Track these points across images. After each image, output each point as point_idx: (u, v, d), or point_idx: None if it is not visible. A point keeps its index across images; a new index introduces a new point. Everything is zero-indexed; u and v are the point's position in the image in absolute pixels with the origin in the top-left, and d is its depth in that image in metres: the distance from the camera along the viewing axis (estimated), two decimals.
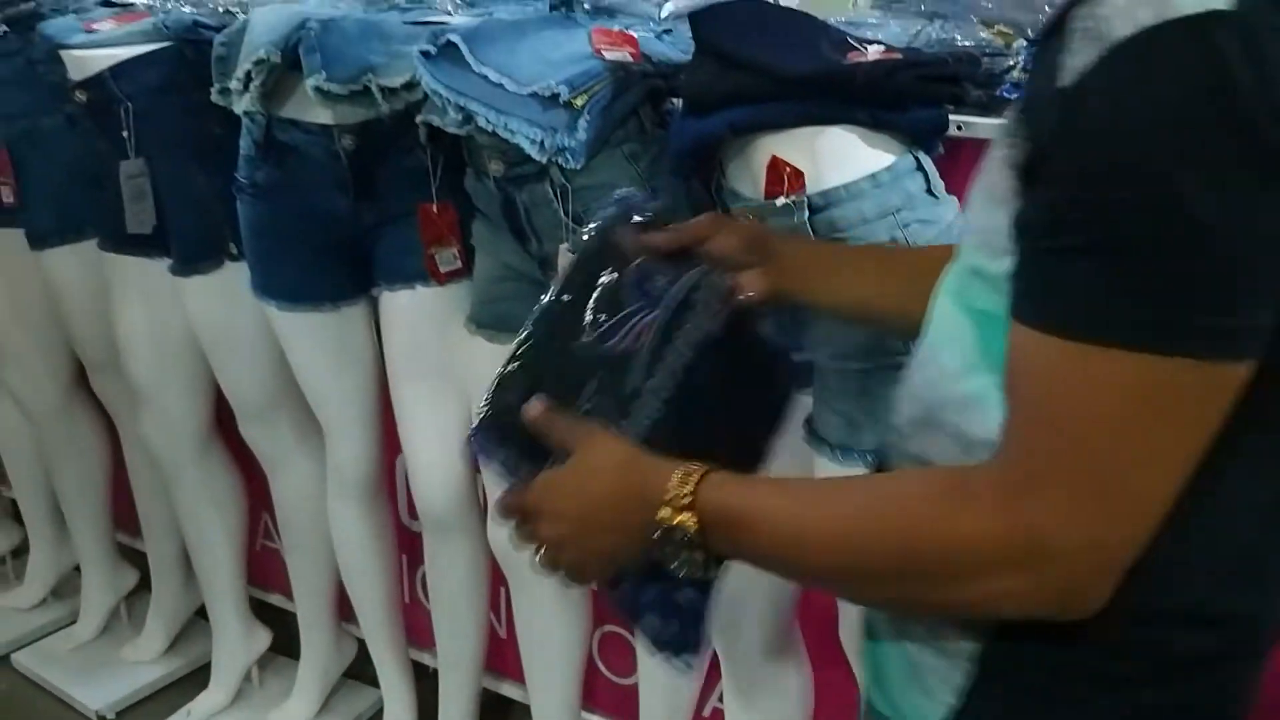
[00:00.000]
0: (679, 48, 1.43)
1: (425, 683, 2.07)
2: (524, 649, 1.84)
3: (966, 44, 1.35)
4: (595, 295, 0.93)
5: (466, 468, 1.75)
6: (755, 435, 0.99)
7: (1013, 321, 0.67)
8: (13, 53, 1.91)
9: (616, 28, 1.46)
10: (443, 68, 1.34)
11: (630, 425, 0.91)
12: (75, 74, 1.74)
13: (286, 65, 1.48)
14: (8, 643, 2.45)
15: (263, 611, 2.29)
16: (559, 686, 1.82)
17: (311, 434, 1.88)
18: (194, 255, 1.80)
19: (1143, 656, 0.73)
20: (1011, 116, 0.69)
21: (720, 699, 1.68)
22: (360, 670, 2.19)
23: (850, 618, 1.38)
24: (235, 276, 1.75)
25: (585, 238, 0.99)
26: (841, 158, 1.16)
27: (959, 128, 1.21)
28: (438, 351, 1.65)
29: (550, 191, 1.38)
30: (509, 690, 2.09)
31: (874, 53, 1.17)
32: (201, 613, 2.31)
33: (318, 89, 1.44)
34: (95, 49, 1.73)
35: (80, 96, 1.74)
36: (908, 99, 1.17)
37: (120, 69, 1.71)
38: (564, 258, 1.40)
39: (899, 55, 1.18)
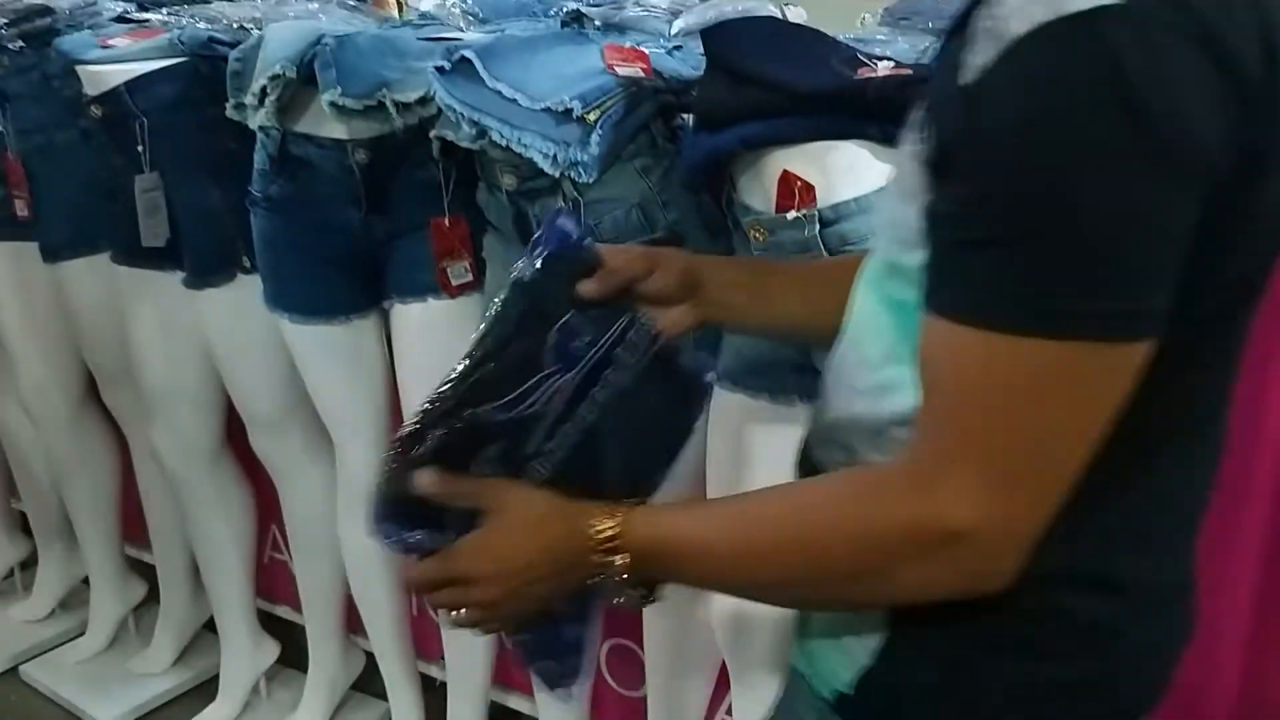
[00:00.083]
0: (689, 64, 1.44)
1: (433, 695, 2.07)
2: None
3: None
4: (509, 362, 0.88)
5: None
6: (655, 465, 0.96)
7: (924, 312, 0.69)
8: (29, 68, 1.93)
9: (628, 44, 1.47)
10: (457, 83, 1.36)
11: (525, 479, 0.89)
12: (91, 89, 1.76)
13: (301, 81, 1.50)
14: (16, 654, 2.46)
15: (271, 624, 2.29)
16: (567, 700, 1.83)
17: (322, 446, 1.89)
18: (207, 268, 1.81)
19: (1046, 624, 0.76)
20: (919, 114, 0.71)
21: (729, 710, 1.69)
22: (368, 683, 2.20)
23: None
24: (248, 289, 1.76)
25: (511, 290, 0.89)
26: (852, 172, 1.18)
27: None
28: (449, 364, 1.66)
29: (562, 205, 1.39)
30: (516, 703, 2.09)
31: (884, 68, 1.18)
32: (210, 625, 2.31)
33: (333, 104, 1.46)
34: (111, 64, 1.75)
35: (96, 111, 1.76)
36: None
37: (135, 84, 1.72)
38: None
39: (908, 71, 1.19)
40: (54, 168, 1.98)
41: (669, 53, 1.48)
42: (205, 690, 2.30)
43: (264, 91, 1.51)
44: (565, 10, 1.59)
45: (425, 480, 0.85)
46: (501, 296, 0.88)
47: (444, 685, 2.00)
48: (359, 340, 1.72)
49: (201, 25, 1.78)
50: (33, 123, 1.97)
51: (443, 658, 1.98)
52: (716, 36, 1.27)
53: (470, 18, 1.71)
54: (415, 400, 1.83)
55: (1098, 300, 0.63)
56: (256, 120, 1.54)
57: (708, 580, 0.86)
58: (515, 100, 1.33)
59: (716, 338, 1.37)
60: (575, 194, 1.38)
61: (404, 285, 1.66)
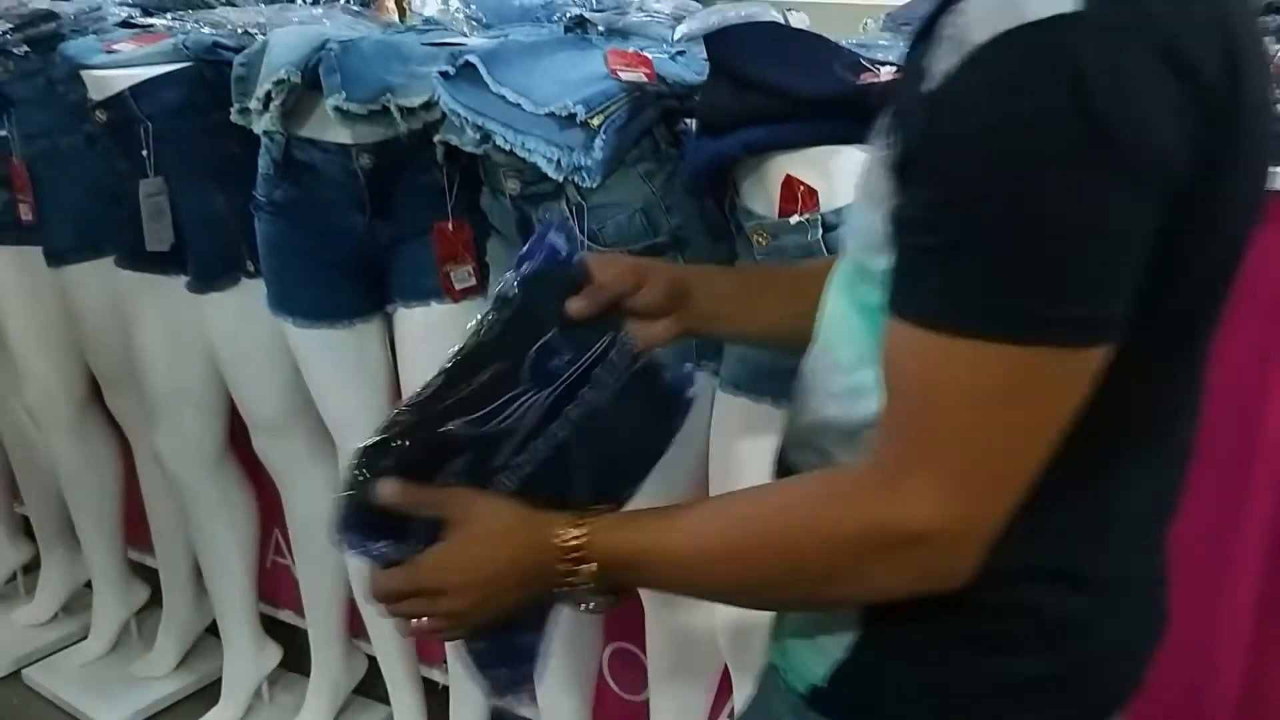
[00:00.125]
0: (692, 69, 1.45)
1: (435, 699, 2.07)
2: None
3: None
4: (484, 379, 0.86)
5: None
6: (626, 480, 0.94)
7: (887, 315, 0.70)
8: (33, 73, 1.94)
9: (631, 49, 1.48)
10: (461, 88, 1.36)
11: (491, 490, 0.88)
12: (96, 94, 1.76)
13: (306, 85, 1.50)
14: (19, 658, 2.46)
15: (273, 628, 2.30)
16: (570, 704, 1.83)
17: (325, 450, 1.89)
18: (211, 272, 1.82)
19: (1015, 619, 0.77)
20: (886, 120, 0.72)
21: (731, 714, 1.69)
22: (371, 686, 2.20)
23: None
24: (252, 293, 1.77)
25: (494, 306, 0.87)
26: (855, 176, 1.18)
27: None
28: None
29: (566, 209, 1.40)
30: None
31: (886, 74, 1.19)
32: (212, 629, 2.31)
33: (337, 109, 1.46)
34: (116, 69, 1.75)
35: (100, 116, 1.77)
36: None
37: (140, 89, 1.73)
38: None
39: None
40: (58, 172, 1.99)
41: (672, 58, 1.49)
42: (208, 694, 2.30)
43: (269, 96, 1.51)
44: (568, 15, 1.60)
45: (388, 490, 0.84)
46: (485, 311, 0.87)
47: (446, 689, 2.01)
48: (362, 344, 1.73)
49: (206, 30, 1.79)
50: (37, 127, 1.97)
51: (445, 661, 1.98)
52: (720, 42, 1.28)
53: (474, 23, 1.72)
54: None
55: (1057, 306, 0.64)
56: (261, 125, 1.55)
57: (676, 586, 0.87)
58: (519, 105, 1.34)
59: (718, 344, 1.38)
60: (579, 198, 1.39)
61: (407, 289, 1.66)
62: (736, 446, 1.37)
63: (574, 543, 0.80)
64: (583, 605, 0.85)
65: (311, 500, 1.96)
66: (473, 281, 1.64)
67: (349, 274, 1.67)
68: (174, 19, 1.91)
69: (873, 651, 0.80)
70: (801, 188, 1.20)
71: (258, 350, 1.83)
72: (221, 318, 1.84)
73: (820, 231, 1.19)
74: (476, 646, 0.94)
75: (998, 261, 0.64)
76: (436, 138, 1.47)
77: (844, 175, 1.19)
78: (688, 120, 1.39)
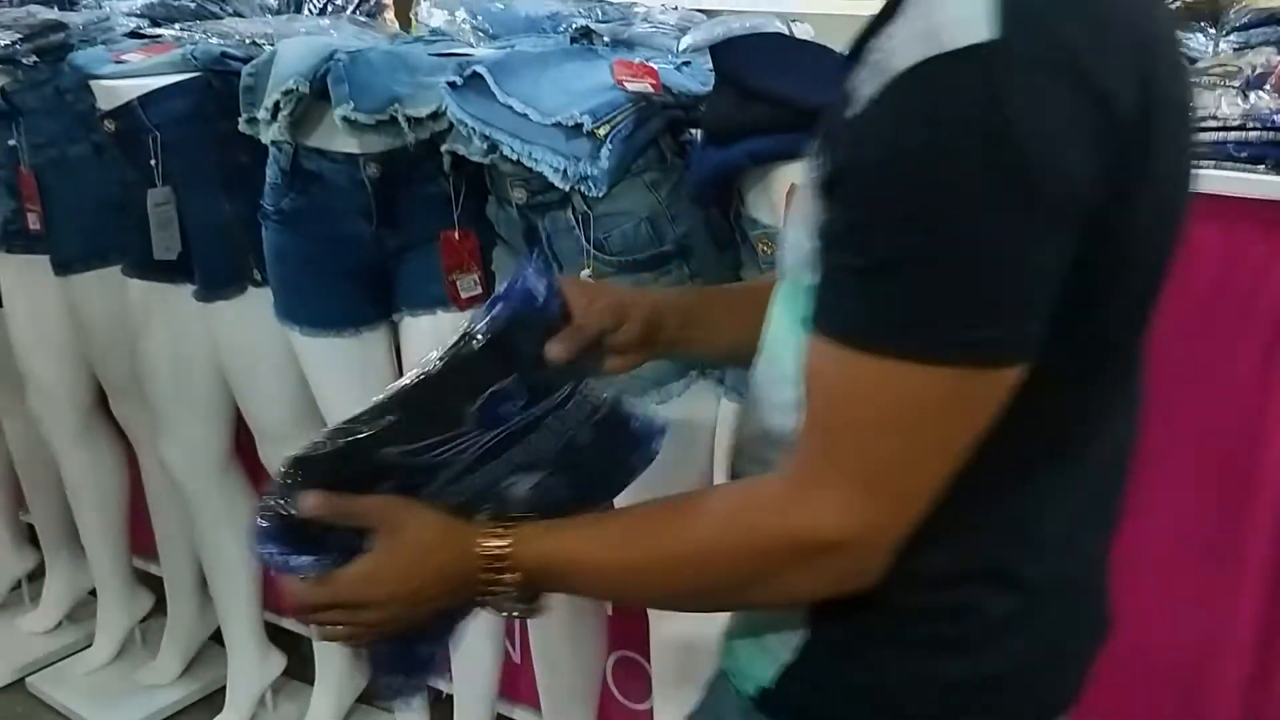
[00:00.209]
0: (698, 79, 1.46)
1: (439, 708, 2.07)
2: (539, 675, 1.85)
3: None
4: (430, 413, 0.83)
5: None
6: (565, 514, 0.89)
7: (810, 330, 0.72)
8: (42, 82, 1.95)
9: (637, 60, 1.49)
10: (469, 98, 1.38)
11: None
12: (104, 103, 1.78)
13: (314, 95, 1.51)
14: (23, 666, 2.47)
15: (278, 636, 2.30)
16: (574, 712, 1.83)
17: None
18: (218, 281, 1.83)
19: (955, 620, 0.79)
20: (816, 141, 0.73)
21: None
22: (375, 695, 2.20)
23: None
24: (258, 302, 1.78)
25: (458, 344, 0.84)
26: None
27: None
28: None
29: (572, 218, 1.41)
30: (522, 716, 2.10)
31: None
32: (216, 637, 2.32)
33: (346, 119, 1.47)
34: (124, 79, 1.76)
35: (109, 126, 1.78)
36: None
37: (149, 99, 1.74)
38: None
39: None
40: (66, 181, 1.99)
41: (678, 68, 1.50)
42: (212, 702, 2.30)
43: (277, 106, 1.52)
44: (574, 26, 1.61)
45: (310, 504, 0.82)
46: (448, 344, 0.84)
47: (450, 698, 2.01)
48: (368, 352, 1.73)
49: (214, 41, 1.80)
50: (45, 137, 1.98)
51: (449, 671, 1.98)
52: (725, 53, 1.29)
53: (480, 33, 1.74)
54: None
55: (969, 329, 0.66)
56: (269, 135, 1.56)
57: (600, 594, 0.89)
58: (526, 115, 1.35)
59: None
60: (584, 208, 1.40)
61: (414, 298, 1.67)
62: None
63: (497, 552, 0.81)
64: (506, 612, 0.86)
65: None
66: (479, 290, 1.65)
67: (356, 283, 1.67)
68: (182, 29, 1.93)
69: (819, 654, 0.82)
70: None
71: (264, 359, 1.84)
72: (228, 326, 1.85)
73: None
74: (379, 650, 0.92)
75: (913, 284, 0.65)
76: (443, 147, 1.48)
77: None
78: (693, 130, 1.41)
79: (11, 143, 1.99)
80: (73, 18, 2.00)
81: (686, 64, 1.53)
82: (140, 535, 2.39)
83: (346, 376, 1.74)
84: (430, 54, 1.59)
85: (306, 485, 0.82)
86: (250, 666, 2.22)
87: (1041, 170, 0.62)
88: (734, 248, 1.42)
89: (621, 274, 1.42)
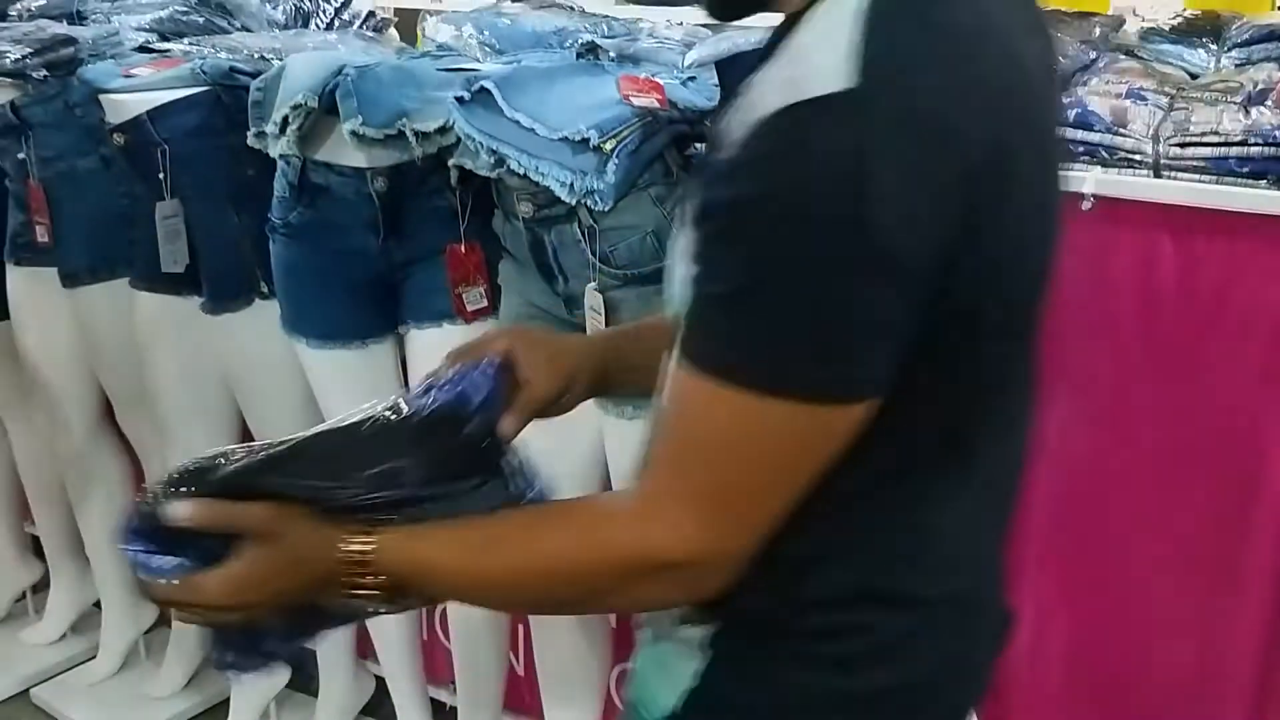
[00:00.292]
0: (703, 94, 1.47)
1: None
2: (544, 687, 1.85)
3: None
4: (330, 462, 0.84)
5: None
6: None
7: (673, 355, 0.74)
8: (52, 96, 1.96)
9: (643, 75, 1.50)
10: (476, 113, 1.39)
11: None
12: (114, 117, 1.79)
13: (322, 110, 1.53)
14: (27, 677, 2.46)
15: None
16: None
17: None
18: (226, 293, 1.84)
19: (850, 639, 0.81)
20: (692, 179, 0.76)
21: None
22: (379, 707, 2.20)
23: None
24: (266, 314, 1.79)
25: (383, 416, 0.85)
26: None
27: None
28: None
29: (578, 232, 1.42)
30: None
31: None
32: None
33: (354, 133, 1.49)
34: (134, 93, 1.78)
35: (118, 139, 1.79)
36: None
37: (158, 113, 1.75)
38: (591, 297, 1.44)
39: None
40: (75, 194, 2.01)
41: (683, 83, 1.51)
42: (216, 714, 2.30)
43: (286, 120, 1.54)
44: (581, 42, 1.62)
45: (187, 512, 0.82)
46: (375, 414, 0.85)
47: (455, 710, 2.01)
48: (375, 365, 1.74)
49: (223, 55, 1.82)
50: (55, 150, 1.99)
51: (454, 682, 1.99)
52: (730, 68, 1.30)
53: (487, 49, 1.75)
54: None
55: (811, 367, 0.68)
56: (277, 148, 1.57)
57: (459, 599, 0.90)
58: (533, 130, 1.36)
59: None
60: (590, 221, 1.41)
61: (420, 311, 1.68)
62: None
63: (358, 556, 0.81)
64: (371, 610, 0.87)
65: None
66: (484, 303, 1.66)
67: (362, 295, 1.68)
68: (191, 44, 1.94)
69: (720, 677, 0.84)
70: None
71: (271, 371, 1.85)
72: (235, 338, 1.86)
73: None
74: (229, 634, 0.92)
75: (760, 319, 0.68)
76: (451, 161, 1.49)
77: None
78: (699, 145, 1.42)
79: (21, 156, 2.00)
80: (82, 32, 2.01)
81: (692, 79, 1.54)
82: None
83: (353, 389, 1.75)
84: (438, 69, 1.60)
85: (190, 494, 0.83)
86: (254, 679, 2.22)
87: (886, 218, 0.64)
88: None
89: (627, 287, 1.42)
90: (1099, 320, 1.34)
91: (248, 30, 2.16)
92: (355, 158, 1.57)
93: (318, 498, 0.83)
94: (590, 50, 1.61)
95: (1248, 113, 1.34)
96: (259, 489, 0.83)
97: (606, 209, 1.36)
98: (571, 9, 2.09)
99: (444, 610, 1.95)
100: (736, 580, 0.76)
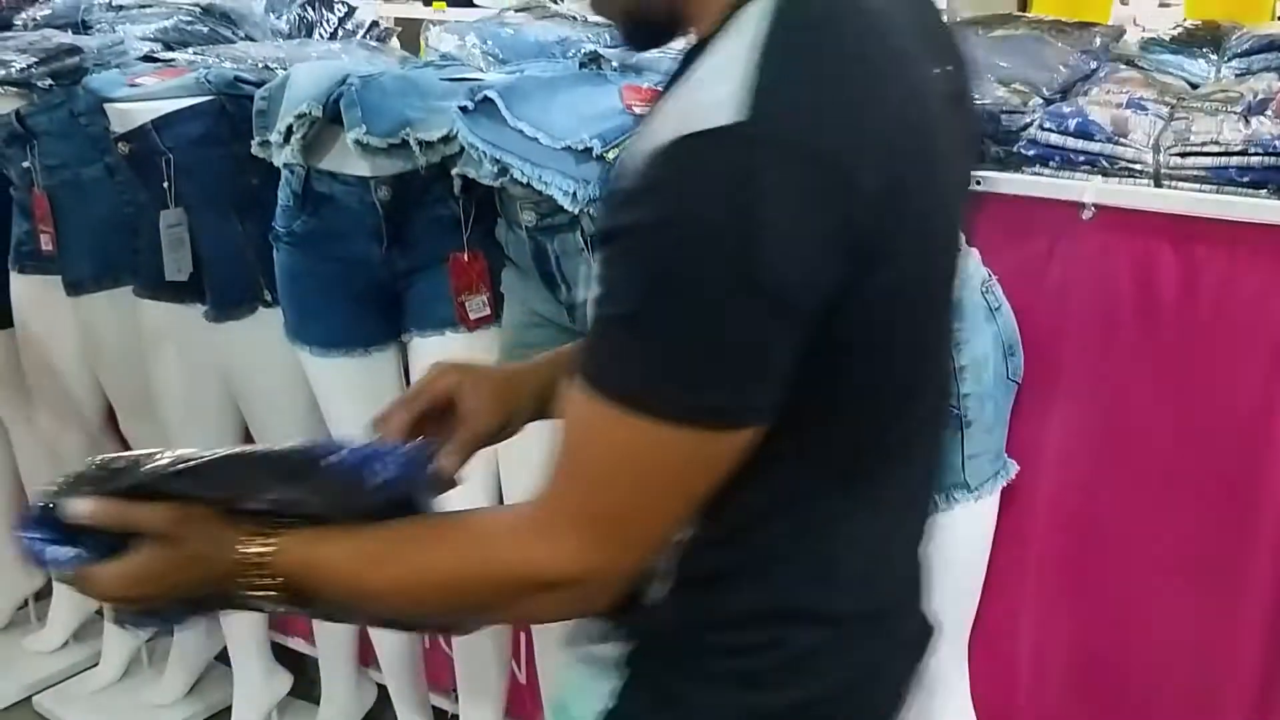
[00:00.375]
0: None
1: None
2: (545, 694, 1.85)
3: (984, 102, 1.40)
4: (241, 480, 0.85)
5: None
6: None
7: (574, 375, 0.74)
8: (56, 105, 1.97)
9: (645, 84, 1.51)
10: (480, 122, 1.39)
11: None
12: (118, 126, 1.80)
13: (326, 119, 1.53)
14: (29, 685, 2.46)
15: (283, 656, 2.30)
16: None
17: None
18: (229, 301, 1.84)
19: (763, 656, 0.82)
20: (601, 204, 0.76)
21: None
22: (380, 715, 2.20)
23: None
24: (269, 322, 1.79)
25: (309, 456, 0.85)
26: None
27: (978, 183, 1.25)
28: None
29: (581, 241, 1.42)
30: None
31: None
32: (222, 657, 2.32)
33: (358, 142, 1.49)
34: (139, 102, 1.79)
35: (123, 148, 1.80)
36: None
37: (162, 122, 1.76)
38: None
39: None
40: (79, 203, 2.01)
41: None
42: None
43: (290, 129, 1.54)
44: (584, 51, 1.63)
45: (88, 509, 0.83)
46: (289, 448, 0.86)
47: (456, 718, 2.01)
48: (378, 372, 1.75)
49: (227, 65, 1.82)
50: (59, 159, 2.00)
51: (455, 690, 1.99)
52: None
53: (490, 59, 1.76)
54: (431, 432, 1.81)
55: (696, 393, 0.69)
56: (281, 157, 1.58)
57: (356, 607, 0.88)
58: (536, 139, 1.36)
59: None
60: (593, 230, 1.41)
61: (423, 319, 1.69)
62: None
63: (256, 560, 0.81)
64: (268, 608, 0.87)
65: None
66: (487, 311, 1.66)
67: (366, 304, 1.69)
68: (195, 53, 1.95)
69: (637, 697, 0.84)
70: None
71: (274, 379, 1.85)
72: (239, 346, 1.87)
73: None
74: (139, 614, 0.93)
75: (649, 346, 0.69)
76: (454, 170, 1.50)
77: None
78: None
79: (26, 165, 2.01)
80: (87, 41, 2.02)
81: None
82: None
83: (356, 397, 1.75)
84: (441, 78, 1.61)
85: (94, 491, 0.84)
86: (256, 686, 2.22)
87: (772, 253, 0.65)
88: None
89: None
90: (1099, 329, 1.35)
91: (252, 40, 2.17)
92: (359, 166, 1.57)
93: (222, 502, 0.84)
94: (593, 60, 1.61)
95: (1248, 122, 1.34)
96: (166, 492, 0.84)
97: None
98: (575, 19, 2.10)
99: None
100: (649, 599, 0.77)
